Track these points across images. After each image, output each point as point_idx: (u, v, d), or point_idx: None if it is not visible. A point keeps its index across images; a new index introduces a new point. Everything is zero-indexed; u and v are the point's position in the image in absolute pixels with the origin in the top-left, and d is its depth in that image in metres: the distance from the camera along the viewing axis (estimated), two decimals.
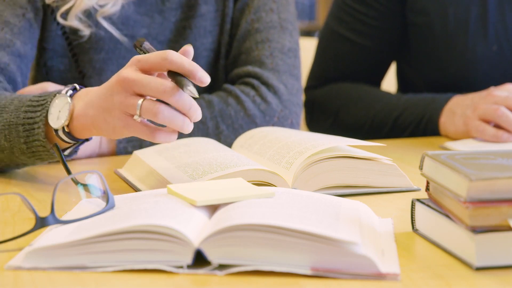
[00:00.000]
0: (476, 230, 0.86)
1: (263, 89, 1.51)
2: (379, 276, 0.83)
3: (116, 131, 1.10)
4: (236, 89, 1.50)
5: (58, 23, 1.47)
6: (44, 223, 0.92)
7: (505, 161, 0.92)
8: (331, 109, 1.81)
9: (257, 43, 1.54)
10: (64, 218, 0.95)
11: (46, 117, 1.15)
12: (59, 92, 1.16)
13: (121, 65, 1.50)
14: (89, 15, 1.46)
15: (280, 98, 1.51)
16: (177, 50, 1.52)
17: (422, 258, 0.91)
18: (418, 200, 0.98)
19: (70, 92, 1.14)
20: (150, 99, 1.06)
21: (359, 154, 1.19)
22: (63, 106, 1.13)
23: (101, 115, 1.10)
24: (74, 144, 1.17)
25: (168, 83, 1.05)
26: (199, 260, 0.85)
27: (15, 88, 1.40)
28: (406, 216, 1.01)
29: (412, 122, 1.69)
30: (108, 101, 1.08)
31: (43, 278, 0.84)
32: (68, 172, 1.10)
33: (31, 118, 1.16)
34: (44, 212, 0.93)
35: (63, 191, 1.14)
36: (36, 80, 1.53)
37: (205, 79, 1.06)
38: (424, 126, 1.67)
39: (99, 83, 1.49)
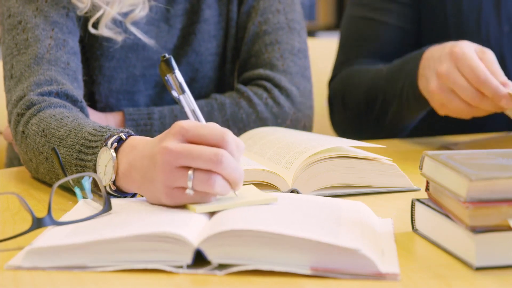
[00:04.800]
0: (476, 230, 0.85)
1: (275, 91, 1.50)
2: (379, 276, 0.83)
3: (162, 202, 1.00)
4: (249, 91, 1.49)
5: (79, 26, 1.45)
6: (40, 223, 0.92)
7: (505, 161, 0.92)
8: (341, 97, 1.74)
9: (266, 45, 1.53)
10: (62, 219, 0.95)
11: (96, 164, 1.10)
12: (109, 135, 1.10)
13: (131, 74, 1.49)
14: (116, 22, 1.45)
15: (293, 101, 1.51)
16: (182, 56, 1.53)
17: (422, 258, 0.91)
18: (418, 200, 0.98)
19: (115, 144, 1.07)
20: (200, 170, 0.96)
21: (359, 154, 1.19)
22: (108, 161, 1.07)
23: (145, 184, 1.01)
24: (125, 197, 1.10)
25: (223, 153, 0.95)
26: (199, 260, 0.85)
27: (79, 86, 1.38)
28: (406, 216, 1.01)
29: (395, 95, 1.62)
30: (151, 172, 0.99)
31: (43, 277, 0.84)
32: (65, 174, 1.10)
33: (82, 160, 1.12)
34: (43, 213, 0.93)
35: (63, 193, 1.14)
36: None
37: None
38: (406, 95, 1.59)
39: (108, 90, 1.49)
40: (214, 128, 0.97)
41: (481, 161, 0.92)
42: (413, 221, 0.98)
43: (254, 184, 1.11)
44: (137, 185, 1.03)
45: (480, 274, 0.85)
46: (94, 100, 1.49)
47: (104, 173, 1.07)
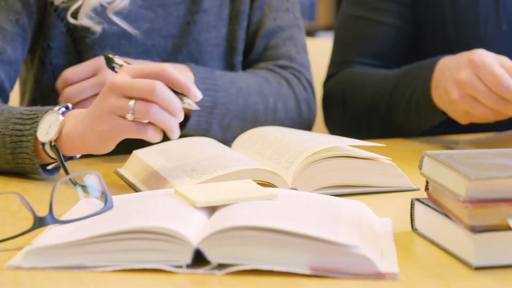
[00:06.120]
0: (475, 229, 0.86)
1: (302, 79, 1.57)
2: (378, 276, 0.83)
3: (103, 139, 1.12)
4: (282, 71, 1.55)
5: (62, 20, 1.47)
6: (42, 223, 0.92)
7: (505, 160, 0.92)
8: (340, 98, 1.73)
9: (283, 40, 1.59)
10: (63, 218, 0.95)
11: (36, 132, 1.17)
12: (51, 108, 1.19)
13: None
14: (98, 11, 1.46)
15: (313, 92, 1.59)
16: (182, 45, 1.55)
17: (421, 257, 0.91)
18: (418, 199, 0.98)
19: (63, 109, 1.18)
20: (140, 100, 1.09)
21: (359, 153, 1.19)
22: (53, 121, 1.16)
23: (89, 126, 1.13)
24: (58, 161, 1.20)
25: (156, 82, 1.08)
26: (199, 259, 0.85)
27: (2, 95, 1.43)
28: (406, 216, 1.01)
29: (402, 102, 1.62)
30: (98, 109, 1.12)
31: (43, 277, 0.84)
32: (67, 172, 1.10)
33: (19, 130, 1.18)
34: (43, 212, 0.93)
35: (63, 191, 1.14)
36: (40, 80, 1.52)
37: (199, 95, 1.12)
38: (416, 103, 1.59)
39: None
40: (155, 64, 1.12)
41: (480, 160, 0.92)
42: (413, 221, 0.98)
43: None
44: (79, 136, 1.14)
45: (479, 274, 0.85)
46: None
47: (47, 132, 1.16)
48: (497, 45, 1.68)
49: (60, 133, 1.16)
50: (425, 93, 1.55)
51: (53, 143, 1.16)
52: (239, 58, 1.59)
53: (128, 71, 1.12)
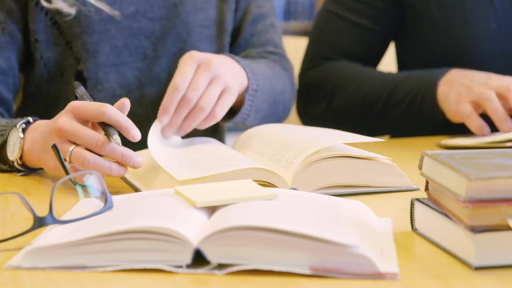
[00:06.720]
0: (475, 229, 0.86)
1: (288, 64, 1.65)
2: (378, 276, 0.83)
3: (52, 171, 1.19)
4: (274, 57, 1.61)
5: (46, 13, 1.47)
6: (42, 223, 0.92)
7: (504, 161, 0.92)
8: (326, 89, 1.75)
9: (267, 26, 1.63)
10: (63, 218, 0.95)
11: (4, 146, 1.26)
12: (15, 124, 1.25)
13: (113, 46, 1.51)
14: None
15: (294, 76, 1.68)
16: (170, 27, 1.56)
17: (421, 257, 0.91)
18: (418, 199, 0.98)
19: (23, 126, 1.25)
20: (80, 147, 1.15)
21: (359, 153, 1.18)
22: (16, 140, 1.24)
23: (42, 153, 1.20)
24: (30, 170, 1.28)
25: (100, 137, 1.14)
26: (198, 259, 0.85)
27: (3, 103, 1.46)
28: (406, 216, 1.01)
29: (408, 94, 1.65)
30: (46, 143, 1.18)
31: (43, 277, 0.84)
32: (67, 172, 1.10)
33: None
34: (43, 212, 0.93)
35: (63, 191, 1.14)
36: (34, 75, 1.53)
37: (138, 136, 1.15)
38: (422, 96, 1.63)
39: (94, 66, 1.50)
40: (96, 106, 1.16)
41: (480, 160, 0.92)
42: (413, 221, 0.98)
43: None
44: (36, 157, 1.21)
45: (479, 274, 0.85)
46: (83, 78, 1.50)
47: (13, 150, 1.25)
48: (487, 43, 1.69)
49: (22, 150, 1.24)
50: (432, 92, 1.61)
51: (19, 162, 1.25)
52: (228, 39, 1.61)
53: (73, 111, 1.17)
